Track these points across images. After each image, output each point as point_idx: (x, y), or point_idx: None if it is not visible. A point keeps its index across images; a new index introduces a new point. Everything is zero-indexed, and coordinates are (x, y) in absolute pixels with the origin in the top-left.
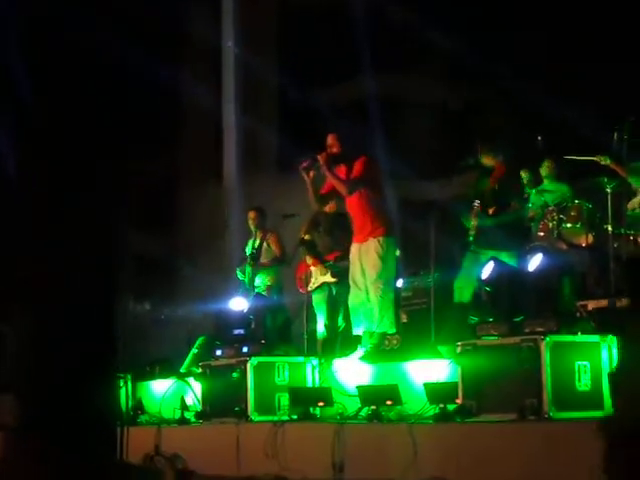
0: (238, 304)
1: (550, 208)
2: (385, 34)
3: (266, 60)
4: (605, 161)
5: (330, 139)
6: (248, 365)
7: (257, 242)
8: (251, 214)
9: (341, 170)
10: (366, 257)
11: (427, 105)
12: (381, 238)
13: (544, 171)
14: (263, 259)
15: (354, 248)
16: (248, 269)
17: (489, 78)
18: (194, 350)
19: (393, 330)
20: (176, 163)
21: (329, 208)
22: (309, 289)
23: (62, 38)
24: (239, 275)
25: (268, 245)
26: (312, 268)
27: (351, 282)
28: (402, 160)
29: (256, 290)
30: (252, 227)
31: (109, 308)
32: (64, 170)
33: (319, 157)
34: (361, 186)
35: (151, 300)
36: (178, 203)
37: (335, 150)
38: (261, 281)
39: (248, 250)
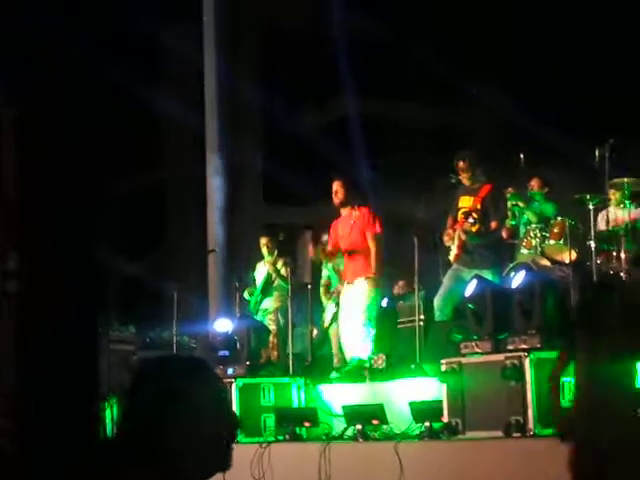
0: (223, 325)
1: (533, 225)
2: (369, 56)
3: (249, 81)
4: None
5: (336, 185)
6: (233, 387)
7: (269, 268)
8: (263, 240)
9: (346, 215)
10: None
11: (411, 126)
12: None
13: (529, 189)
14: (273, 284)
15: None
16: (256, 293)
17: (472, 99)
18: None
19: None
20: (160, 184)
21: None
22: None
23: (40, 50)
24: (246, 296)
25: (278, 272)
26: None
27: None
28: (385, 180)
29: (262, 313)
30: (265, 253)
31: (92, 329)
32: (43, 187)
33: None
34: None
35: (136, 323)
36: (163, 224)
37: (340, 197)
38: (269, 304)
39: (257, 276)
